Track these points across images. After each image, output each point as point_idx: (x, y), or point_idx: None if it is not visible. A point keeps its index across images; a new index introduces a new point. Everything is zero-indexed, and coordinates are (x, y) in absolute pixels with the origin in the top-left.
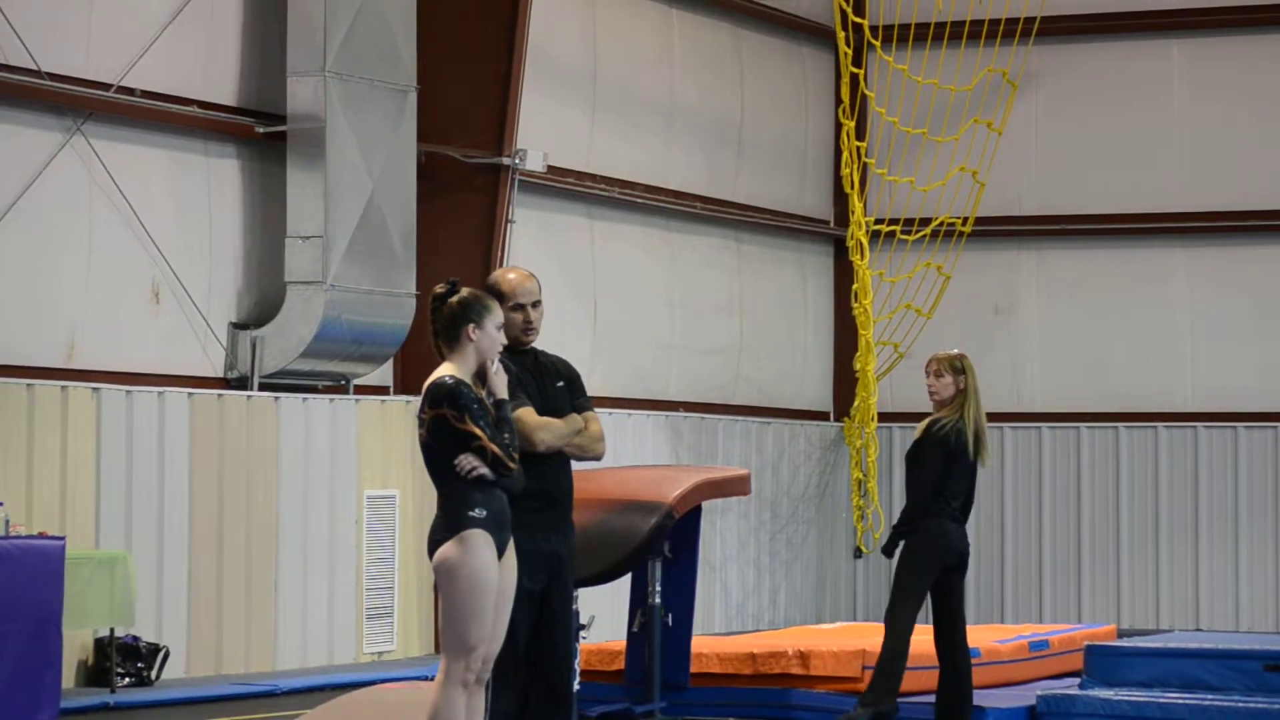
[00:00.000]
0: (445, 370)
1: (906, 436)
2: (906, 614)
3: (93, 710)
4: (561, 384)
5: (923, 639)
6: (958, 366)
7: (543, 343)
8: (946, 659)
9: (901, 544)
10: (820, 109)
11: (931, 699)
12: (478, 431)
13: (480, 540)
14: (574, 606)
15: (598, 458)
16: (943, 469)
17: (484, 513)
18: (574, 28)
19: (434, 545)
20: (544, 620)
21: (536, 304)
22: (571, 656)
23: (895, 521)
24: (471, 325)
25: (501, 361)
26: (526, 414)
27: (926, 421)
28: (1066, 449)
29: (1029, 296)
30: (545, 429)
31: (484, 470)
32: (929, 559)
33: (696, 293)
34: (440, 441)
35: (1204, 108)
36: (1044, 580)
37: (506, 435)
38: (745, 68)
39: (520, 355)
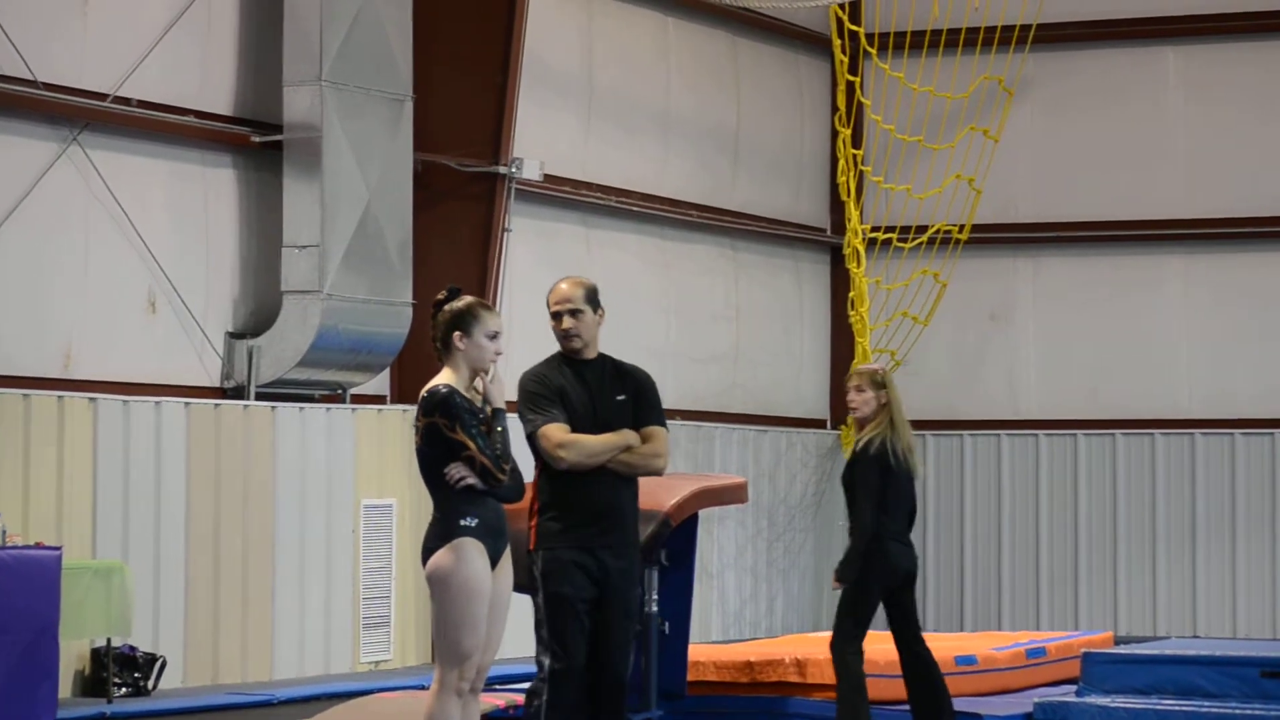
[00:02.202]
0: (440, 379)
1: None
2: (852, 646)
3: None
4: (624, 397)
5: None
6: (878, 381)
7: (534, 346)
8: (906, 652)
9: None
10: (816, 117)
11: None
12: (467, 441)
13: (471, 549)
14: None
15: (656, 473)
16: (880, 487)
17: (475, 521)
18: (570, 36)
19: (427, 554)
20: (600, 634)
21: (576, 312)
22: (624, 669)
23: (848, 549)
24: (459, 334)
25: (540, 373)
26: (552, 430)
27: (855, 443)
28: (1063, 456)
29: (1025, 304)
30: (568, 446)
31: (472, 480)
32: (871, 586)
33: (693, 301)
34: (433, 449)
35: (1199, 114)
36: (1041, 587)
37: (499, 445)
38: (741, 76)
39: (582, 365)
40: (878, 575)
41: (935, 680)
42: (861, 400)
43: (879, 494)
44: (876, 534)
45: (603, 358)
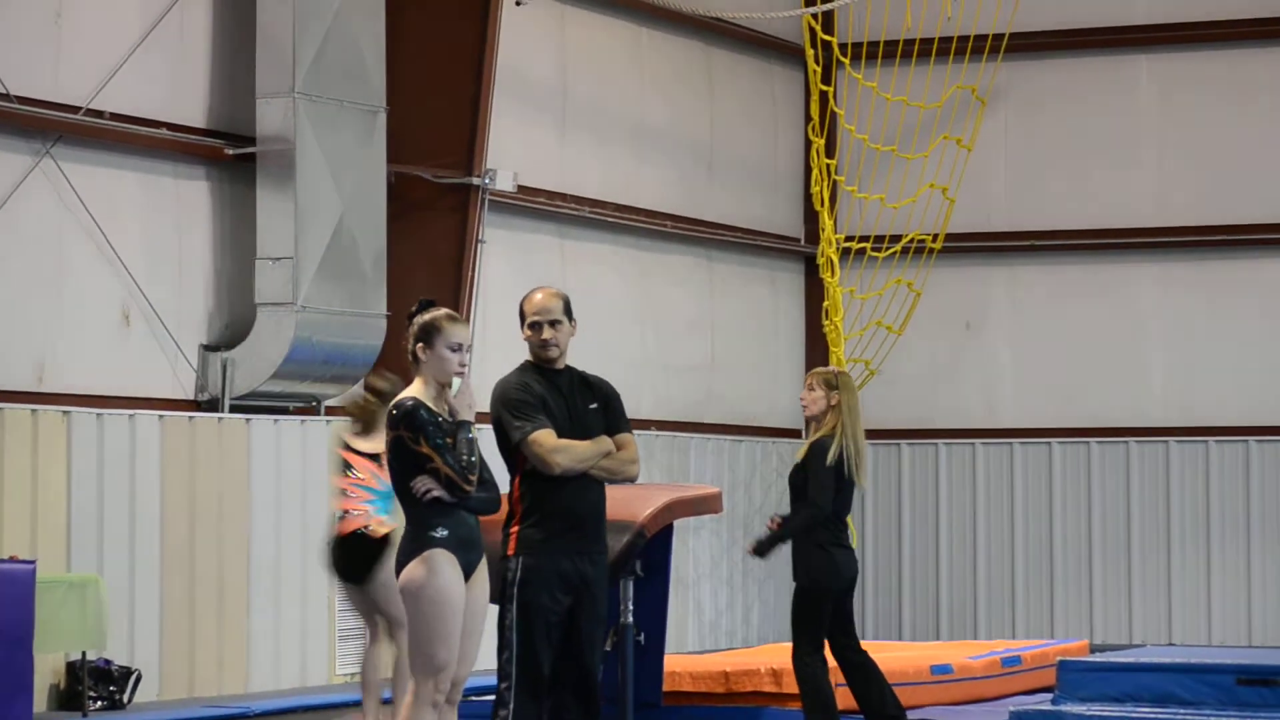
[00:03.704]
0: (408, 392)
1: (878, 453)
2: (815, 658)
3: None
4: (595, 405)
5: (903, 654)
6: (831, 382)
7: (509, 358)
8: (845, 659)
9: (790, 575)
10: (790, 127)
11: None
12: (431, 454)
13: (442, 560)
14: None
15: (630, 480)
16: (831, 488)
17: (446, 533)
18: (544, 47)
19: (399, 567)
20: (572, 641)
21: (555, 323)
22: (597, 667)
23: (779, 530)
24: (420, 345)
25: (522, 381)
26: (544, 436)
27: (809, 443)
28: (1038, 465)
29: (1000, 312)
30: (561, 451)
31: (439, 492)
32: (823, 596)
33: (668, 311)
34: (400, 463)
35: (1172, 123)
36: (1016, 596)
37: (465, 457)
38: (715, 86)
39: (553, 374)
40: (829, 583)
41: (881, 680)
42: (811, 399)
43: (829, 496)
44: (823, 544)
45: (569, 368)
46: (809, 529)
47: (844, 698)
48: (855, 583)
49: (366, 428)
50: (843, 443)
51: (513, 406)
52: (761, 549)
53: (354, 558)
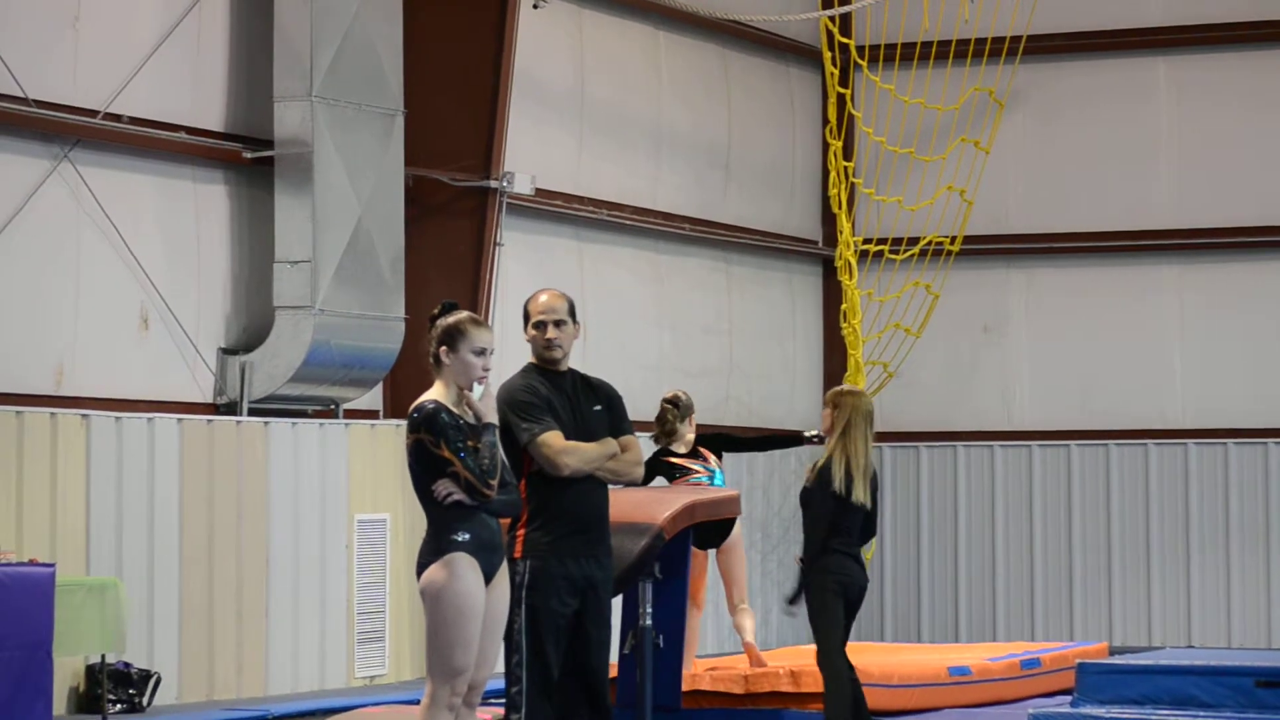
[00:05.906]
0: (429, 395)
1: (897, 456)
2: (835, 651)
3: None
4: (599, 407)
5: (922, 656)
6: (832, 401)
7: (526, 361)
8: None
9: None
10: (808, 129)
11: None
12: (451, 457)
13: (464, 563)
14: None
15: (635, 482)
16: (834, 508)
17: (467, 536)
18: (561, 50)
19: (420, 569)
20: (579, 644)
21: (560, 323)
22: (606, 668)
23: (802, 571)
24: (444, 348)
25: (528, 384)
26: (552, 438)
27: (817, 468)
28: (1057, 467)
29: (1018, 315)
30: (570, 453)
31: (460, 496)
32: (831, 592)
33: (685, 314)
34: (421, 466)
35: (1191, 125)
36: (1036, 598)
37: (486, 461)
38: (733, 88)
39: (557, 376)
40: (838, 585)
41: (852, 680)
42: (824, 417)
43: (831, 516)
44: (833, 549)
45: (571, 370)
46: (814, 558)
47: (872, 698)
48: (863, 596)
49: (669, 436)
50: (843, 466)
51: (520, 408)
52: (795, 598)
53: (707, 526)
